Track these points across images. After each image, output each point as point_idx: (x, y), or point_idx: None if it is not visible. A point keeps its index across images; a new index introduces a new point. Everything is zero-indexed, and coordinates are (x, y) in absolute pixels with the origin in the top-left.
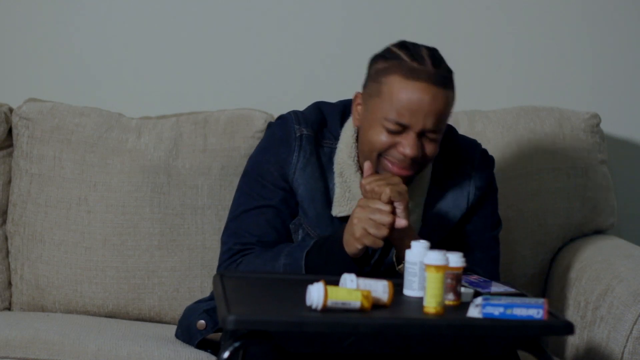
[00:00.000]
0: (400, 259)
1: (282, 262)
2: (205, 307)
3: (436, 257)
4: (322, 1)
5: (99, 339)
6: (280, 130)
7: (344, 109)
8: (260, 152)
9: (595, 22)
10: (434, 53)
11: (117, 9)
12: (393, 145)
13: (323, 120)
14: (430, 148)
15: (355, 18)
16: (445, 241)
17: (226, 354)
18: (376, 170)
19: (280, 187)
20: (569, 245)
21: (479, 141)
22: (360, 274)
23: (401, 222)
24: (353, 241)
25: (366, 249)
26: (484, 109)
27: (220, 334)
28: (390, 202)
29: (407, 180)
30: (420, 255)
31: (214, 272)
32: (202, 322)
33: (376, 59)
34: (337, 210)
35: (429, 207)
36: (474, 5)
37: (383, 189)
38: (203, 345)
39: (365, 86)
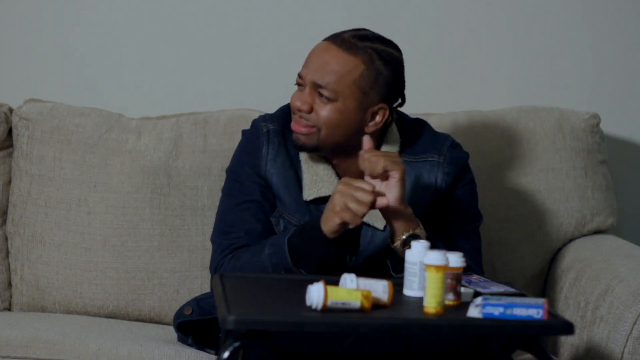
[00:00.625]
0: (395, 237)
1: (267, 252)
2: (197, 297)
3: (436, 257)
4: (322, 1)
5: (99, 338)
6: (250, 131)
7: None
8: (235, 156)
9: (595, 22)
10: (364, 30)
11: (117, 9)
12: None
13: (290, 116)
14: (322, 110)
15: (355, 18)
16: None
17: (226, 354)
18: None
19: (256, 182)
20: (569, 245)
21: (478, 140)
22: (342, 256)
23: (382, 202)
24: (332, 215)
25: (346, 231)
26: (484, 109)
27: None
28: (376, 179)
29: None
30: (420, 255)
31: None
32: (189, 307)
33: None
34: (307, 194)
35: None
36: (473, 5)
37: (379, 159)
38: (186, 330)
39: None
